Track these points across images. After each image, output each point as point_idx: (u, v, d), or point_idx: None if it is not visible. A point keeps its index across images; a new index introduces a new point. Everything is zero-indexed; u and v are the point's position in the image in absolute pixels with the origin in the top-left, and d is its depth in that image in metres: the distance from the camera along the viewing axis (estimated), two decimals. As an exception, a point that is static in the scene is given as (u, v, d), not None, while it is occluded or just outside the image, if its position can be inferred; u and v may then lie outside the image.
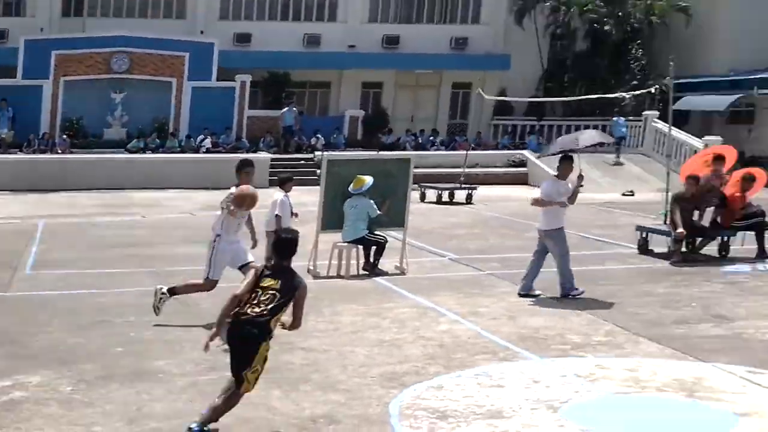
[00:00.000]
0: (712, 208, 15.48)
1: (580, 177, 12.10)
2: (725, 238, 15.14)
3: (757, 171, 16.50)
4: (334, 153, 24.62)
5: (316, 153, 29.95)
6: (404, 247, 13.94)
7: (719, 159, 15.79)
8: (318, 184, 14.30)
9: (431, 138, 34.95)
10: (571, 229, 18.42)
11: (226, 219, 10.28)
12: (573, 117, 35.54)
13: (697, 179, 15.24)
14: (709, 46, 35.09)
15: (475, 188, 25.22)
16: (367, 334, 9.95)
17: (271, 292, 6.75)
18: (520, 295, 11.82)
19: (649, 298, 11.79)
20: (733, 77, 33.68)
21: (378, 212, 13.48)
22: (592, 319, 10.65)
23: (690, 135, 30.59)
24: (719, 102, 32.86)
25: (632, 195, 26.41)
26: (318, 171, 13.97)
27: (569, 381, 8.21)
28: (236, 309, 6.72)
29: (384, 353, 9.18)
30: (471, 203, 24.46)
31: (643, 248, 15.43)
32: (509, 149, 33.66)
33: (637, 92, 31.16)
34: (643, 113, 33.23)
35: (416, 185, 22.69)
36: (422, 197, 24.93)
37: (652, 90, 31.09)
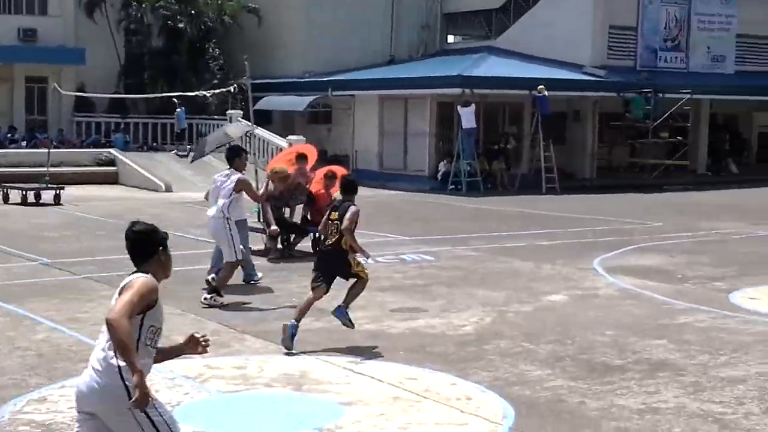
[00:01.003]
0: (301, 205, 16.05)
1: None
2: (317, 234, 15.74)
3: (338, 168, 17.32)
4: None
5: None
6: (-10, 252, 13.06)
7: (302, 157, 16.36)
8: None
9: (9, 135, 33.02)
10: (169, 229, 18.36)
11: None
12: (158, 114, 35.26)
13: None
14: (283, 48, 36.28)
15: (62, 188, 24.17)
16: (-44, 348, 9.19)
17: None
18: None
19: (251, 295, 12.01)
20: (309, 79, 35.16)
21: None
22: (197, 319, 10.65)
23: (274, 134, 31.58)
24: (298, 102, 34.12)
25: (226, 194, 26.75)
26: None
27: (179, 383, 8.14)
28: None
29: (-23, 367, 8.57)
30: (60, 204, 23.41)
31: (241, 246, 15.66)
32: (96, 147, 32.70)
33: (217, 91, 31.54)
34: (228, 112, 33.69)
35: (-3, 185, 21.46)
36: (5, 198, 23.53)
37: (232, 89, 31.66)
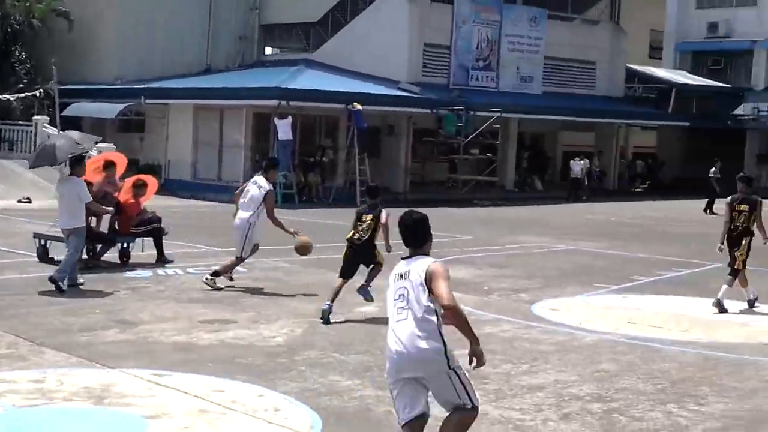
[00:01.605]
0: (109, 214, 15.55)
1: None
2: (125, 245, 15.34)
3: (147, 177, 16.92)
4: None
5: None
6: None
7: (110, 165, 15.87)
8: None
9: None
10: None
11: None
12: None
13: (91, 186, 15.21)
14: (95, 53, 35.27)
15: None
16: None
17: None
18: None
19: (52, 307, 11.53)
20: (121, 86, 34.30)
21: None
22: (-7, 331, 10.15)
23: (84, 141, 30.57)
24: (109, 109, 33.20)
25: (29, 202, 25.73)
26: None
27: (-25, 399, 7.73)
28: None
29: None
30: None
31: (43, 256, 15.03)
32: None
33: (22, 95, 30.33)
34: (34, 118, 32.39)
35: None
36: None
37: (38, 94, 30.48)
